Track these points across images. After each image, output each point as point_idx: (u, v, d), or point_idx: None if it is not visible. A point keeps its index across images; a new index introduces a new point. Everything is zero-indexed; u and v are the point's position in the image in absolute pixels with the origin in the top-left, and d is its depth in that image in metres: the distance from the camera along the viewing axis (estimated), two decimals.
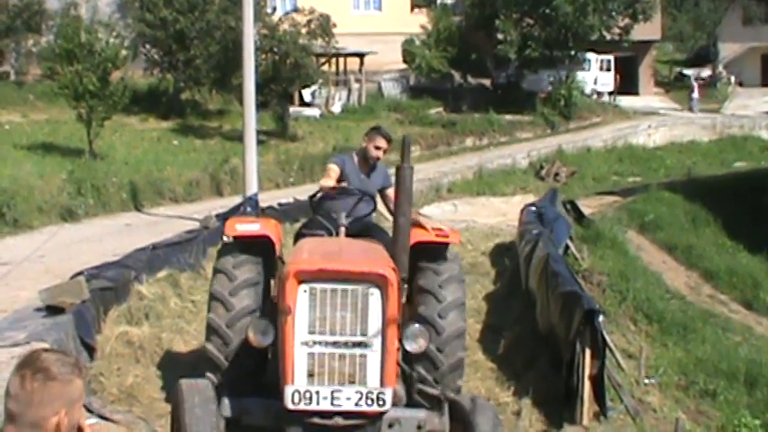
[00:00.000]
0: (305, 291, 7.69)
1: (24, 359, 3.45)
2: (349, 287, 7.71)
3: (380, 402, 7.73)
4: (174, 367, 11.77)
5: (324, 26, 42.85)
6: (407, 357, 8.65)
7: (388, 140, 9.94)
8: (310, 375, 7.71)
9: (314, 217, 9.69)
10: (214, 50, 40.76)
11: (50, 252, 18.74)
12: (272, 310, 8.91)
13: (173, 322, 13.30)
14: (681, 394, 12.43)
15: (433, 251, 9.12)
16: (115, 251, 16.90)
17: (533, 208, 20.45)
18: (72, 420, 3.41)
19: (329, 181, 9.63)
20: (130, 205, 26.26)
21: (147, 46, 43.04)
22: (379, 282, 7.68)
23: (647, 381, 12.35)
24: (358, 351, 7.75)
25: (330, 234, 9.25)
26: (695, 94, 58.17)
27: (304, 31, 42.15)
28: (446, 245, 9.28)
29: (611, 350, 12.01)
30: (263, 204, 22.15)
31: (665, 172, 40.62)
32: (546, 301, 13.18)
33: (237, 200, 23.12)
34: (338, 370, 7.73)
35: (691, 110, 57.16)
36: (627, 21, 52.32)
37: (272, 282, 9.43)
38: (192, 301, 14.54)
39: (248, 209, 20.77)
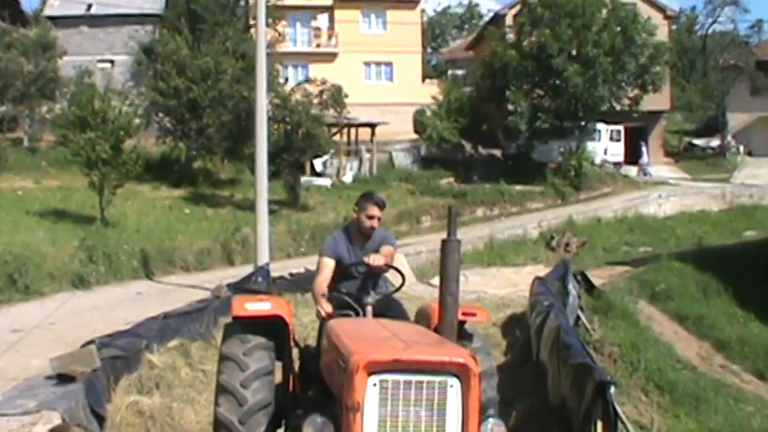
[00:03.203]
0: (374, 384, 6.58)
1: (56, 427, 3.50)
2: (425, 379, 6.61)
3: None
4: None
5: (336, 96, 43.22)
6: None
7: (381, 206, 9.09)
8: None
9: (337, 295, 8.83)
10: (226, 120, 41.13)
11: (61, 319, 18.74)
12: (284, 399, 8.50)
13: (183, 392, 13.26)
14: None
15: (460, 330, 8.08)
16: (126, 320, 16.90)
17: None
18: None
19: (324, 282, 8.90)
20: (142, 273, 26.30)
21: (160, 114, 43.51)
22: (460, 372, 6.62)
23: None
24: None
25: (357, 314, 8.55)
26: (644, 159, 58.92)
27: (316, 101, 42.53)
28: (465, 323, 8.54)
29: (622, 422, 11.93)
30: (274, 274, 22.15)
31: (676, 242, 40.59)
32: (557, 373, 13.14)
33: (249, 269, 23.13)
34: None
35: (644, 174, 57.69)
36: (636, 91, 52.72)
37: (283, 365, 8.83)
38: (203, 370, 14.50)
39: (259, 279, 20.77)
